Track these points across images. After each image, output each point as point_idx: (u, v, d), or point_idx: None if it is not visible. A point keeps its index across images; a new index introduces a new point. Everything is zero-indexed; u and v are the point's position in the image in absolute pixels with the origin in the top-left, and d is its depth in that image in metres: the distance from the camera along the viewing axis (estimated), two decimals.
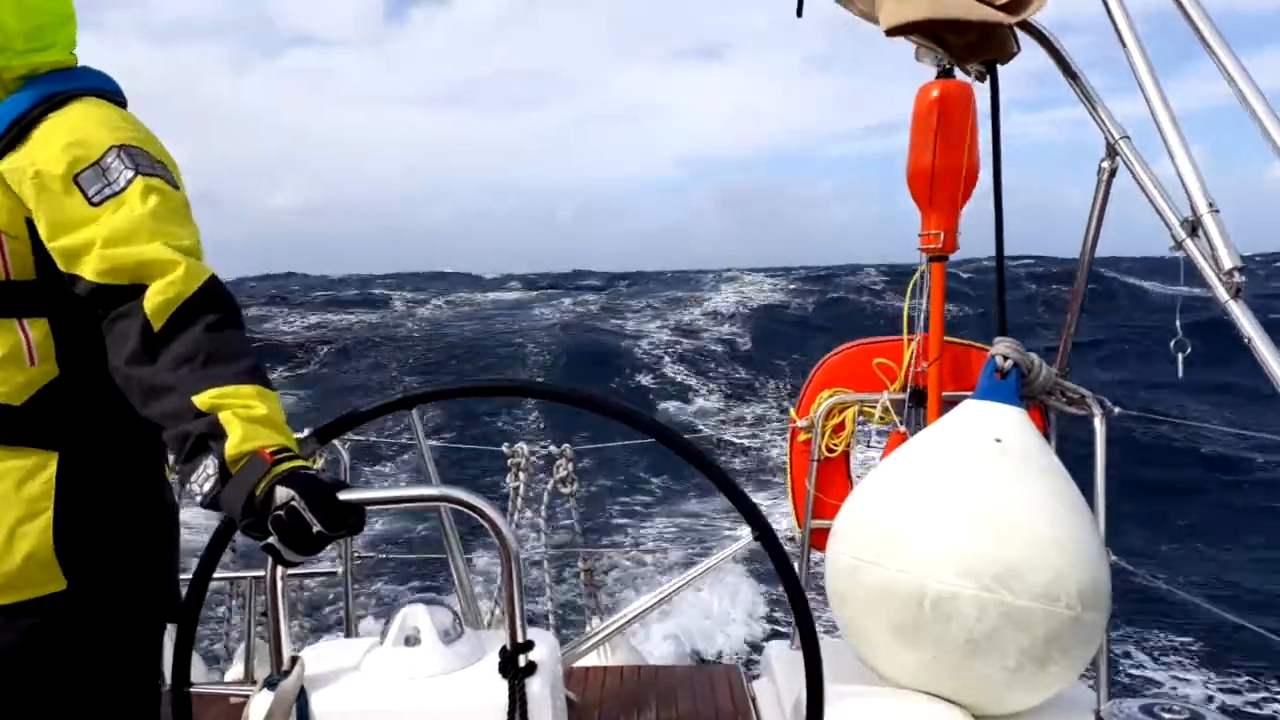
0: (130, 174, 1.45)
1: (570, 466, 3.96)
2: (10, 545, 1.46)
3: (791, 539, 3.38)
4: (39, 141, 1.46)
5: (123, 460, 1.58)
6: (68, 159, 1.44)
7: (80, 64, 1.62)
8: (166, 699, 1.66)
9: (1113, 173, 2.33)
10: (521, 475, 3.94)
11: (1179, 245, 1.72)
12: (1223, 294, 1.61)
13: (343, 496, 1.31)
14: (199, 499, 1.33)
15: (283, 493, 1.26)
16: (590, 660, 3.78)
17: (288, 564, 1.32)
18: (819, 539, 3.10)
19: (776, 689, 2.96)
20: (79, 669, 1.55)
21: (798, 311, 30.21)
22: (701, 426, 15.98)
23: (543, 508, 3.77)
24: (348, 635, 3.19)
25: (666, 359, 22.69)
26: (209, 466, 1.31)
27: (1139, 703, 0.94)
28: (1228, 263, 1.61)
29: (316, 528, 1.26)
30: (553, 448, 3.93)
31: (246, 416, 1.32)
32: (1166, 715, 0.92)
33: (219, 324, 1.40)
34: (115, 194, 1.43)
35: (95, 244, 1.40)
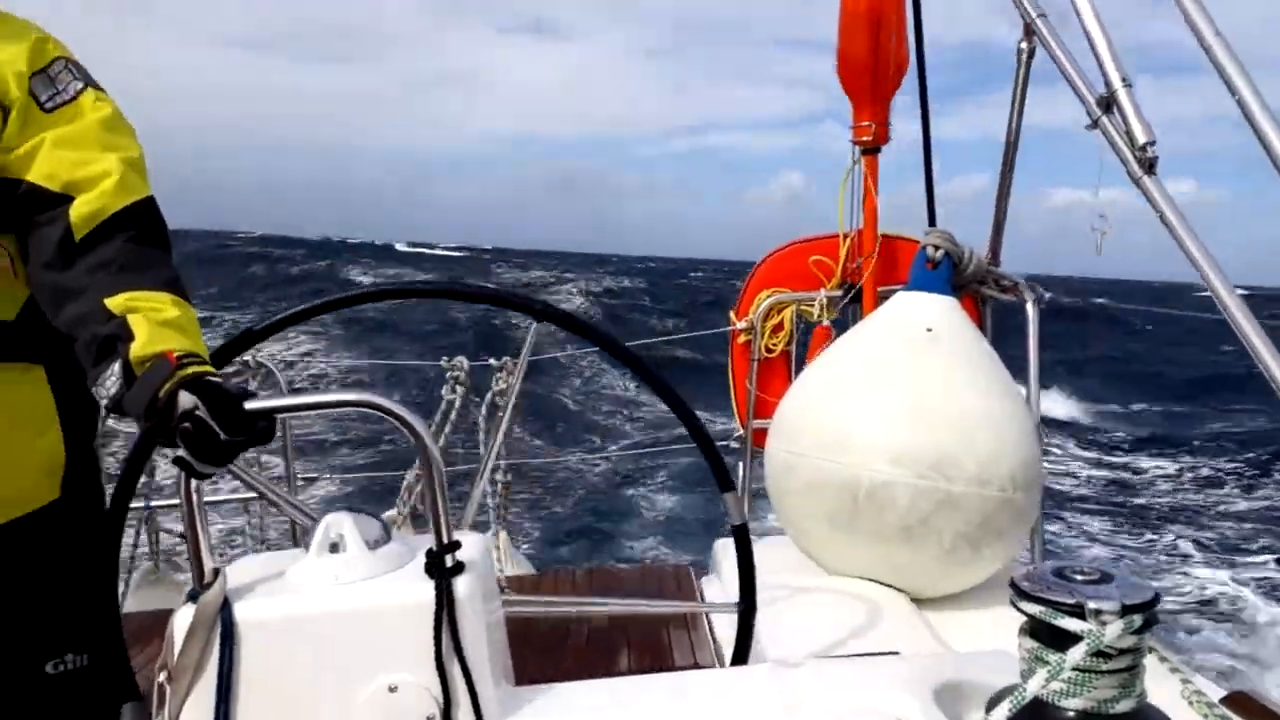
0: (80, 85, 1.44)
1: (510, 380, 3.83)
2: (26, 460, 1.49)
3: (734, 440, 3.41)
4: None
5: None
6: (27, 59, 1.42)
7: None
8: None
9: (1031, 53, 2.31)
10: (459, 389, 3.77)
11: (1094, 124, 1.71)
12: (1136, 169, 1.61)
13: (250, 405, 1.28)
14: (104, 402, 1.31)
15: (186, 399, 1.23)
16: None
17: (200, 476, 1.29)
18: (761, 439, 3.13)
19: (723, 582, 3.01)
20: (67, 575, 1.58)
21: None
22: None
23: (481, 419, 3.62)
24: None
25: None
26: (115, 369, 1.30)
27: (1051, 565, 0.95)
28: (1141, 137, 1.60)
29: (223, 436, 1.23)
30: (493, 360, 3.78)
31: (156, 319, 1.30)
32: (1078, 576, 0.93)
33: (143, 239, 1.38)
34: (67, 102, 1.42)
35: (42, 146, 1.38)
